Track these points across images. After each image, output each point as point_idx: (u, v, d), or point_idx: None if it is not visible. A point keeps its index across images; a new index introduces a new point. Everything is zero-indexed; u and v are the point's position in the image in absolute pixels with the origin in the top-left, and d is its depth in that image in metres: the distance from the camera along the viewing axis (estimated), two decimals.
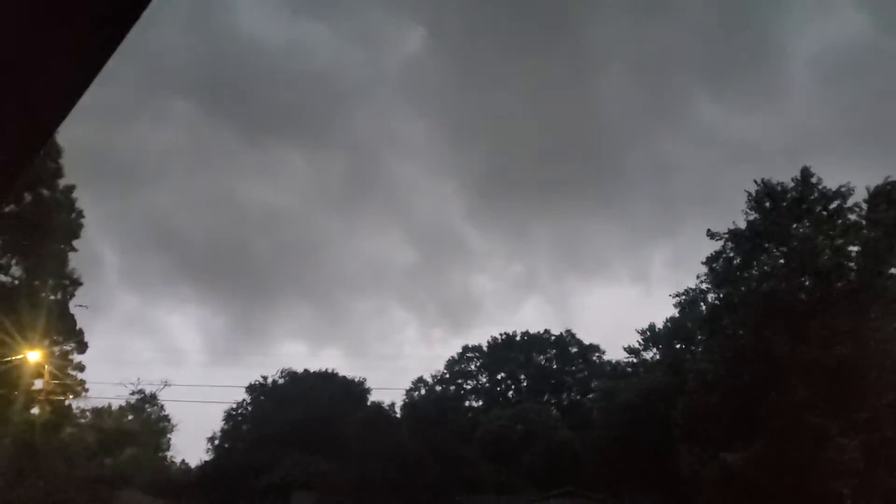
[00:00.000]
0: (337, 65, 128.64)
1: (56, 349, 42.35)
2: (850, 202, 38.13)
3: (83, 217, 42.08)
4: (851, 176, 40.25)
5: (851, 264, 37.92)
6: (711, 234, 41.38)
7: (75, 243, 42.29)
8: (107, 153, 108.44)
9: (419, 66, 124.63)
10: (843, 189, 38.35)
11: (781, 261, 39.57)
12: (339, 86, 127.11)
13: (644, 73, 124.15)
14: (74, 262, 42.74)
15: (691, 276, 45.79)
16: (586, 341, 73.18)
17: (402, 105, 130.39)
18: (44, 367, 39.24)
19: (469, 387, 74.08)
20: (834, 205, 38.32)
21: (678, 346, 52.03)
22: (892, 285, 37.57)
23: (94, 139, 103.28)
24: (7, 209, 37.59)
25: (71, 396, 45.44)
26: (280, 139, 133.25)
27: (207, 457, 65.19)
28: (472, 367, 74.79)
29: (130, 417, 60.52)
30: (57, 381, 41.95)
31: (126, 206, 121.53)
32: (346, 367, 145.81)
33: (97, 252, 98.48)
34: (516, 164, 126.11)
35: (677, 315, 52.26)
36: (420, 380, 71.94)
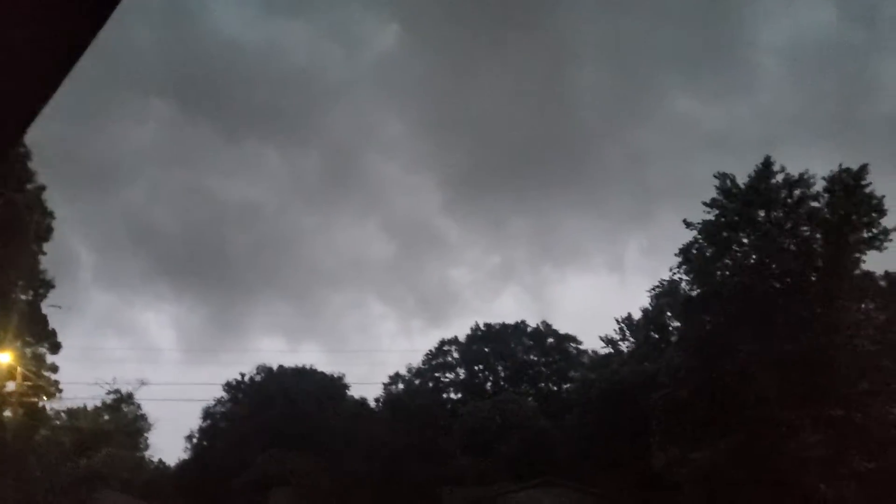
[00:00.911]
0: (313, 63, 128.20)
1: (28, 350, 42.24)
2: (813, 190, 38.69)
3: (54, 218, 41.93)
4: (822, 163, 40.90)
5: (818, 249, 38.48)
6: (687, 224, 41.69)
7: (48, 245, 42.09)
8: (82, 153, 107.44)
9: (395, 63, 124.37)
10: (805, 177, 38.82)
11: (751, 254, 40.01)
12: (316, 83, 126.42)
13: (618, 65, 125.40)
14: (47, 262, 42.60)
15: (667, 263, 46.04)
16: (563, 331, 73.78)
17: (379, 102, 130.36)
18: (15, 369, 39.13)
19: (447, 380, 74.30)
20: (797, 193, 38.80)
21: (654, 335, 52.52)
22: (857, 270, 38.23)
23: (69, 139, 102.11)
24: None
25: (44, 398, 45.32)
26: (257, 137, 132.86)
27: (186, 455, 65.30)
28: (450, 359, 75.08)
29: (106, 417, 60.35)
30: (29, 383, 41.76)
31: (102, 205, 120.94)
32: (324, 363, 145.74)
33: (73, 251, 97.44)
34: (494, 158, 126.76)
35: (652, 305, 52.88)
36: (397, 375, 72.19)
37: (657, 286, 50.14)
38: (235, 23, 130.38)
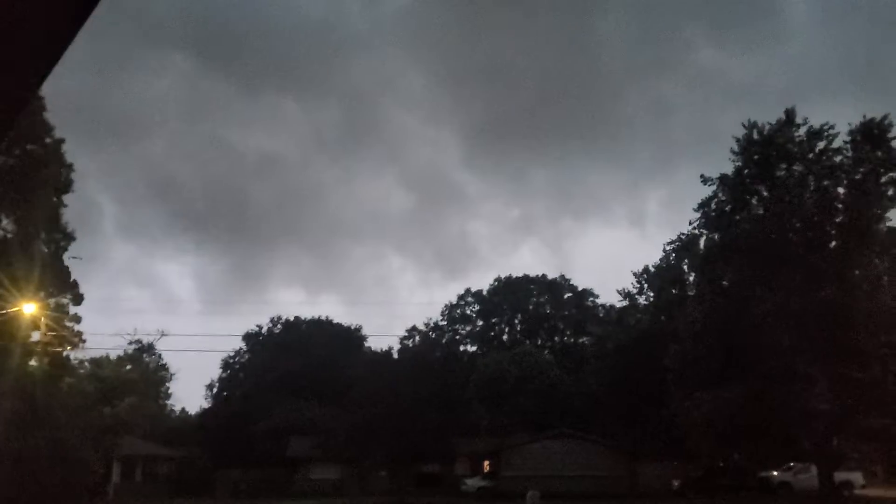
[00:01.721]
0: (331, 14, 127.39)
1: (51, 301, 42.80)
2: (836, 143, 38.07)
3: (73, 170, 42.12)
4: (851, 112, 40.05)
5: (839, 205, 38.03)
6: (704, 180, 41.41)
7: (69, 197, 42.39)
8: (104, 106, 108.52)
9: (414, 14, 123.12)
10: (826, 129, 38.18)
11: (771, 207, 39.59)
12: (335, 35, 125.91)
13: (642, 14, 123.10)
14: (68, 214, 42.92)
15: (687, 216, 45.92)
16: (582, 284, 74.35)
17: (399, 54, 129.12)
18: (40, 320, 39.75)
19: (464, 332, 74.84)
20: (820, 145, 38.24)
21: (673, 290, 52.45)
22: (881, 225, 37.78)
23: (90, 93, 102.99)
24: None
25: (68, 348, 46.10)
26: (276, 89, 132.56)
27: (206, 404, 66.68)
28: (469, 311, 75.54)
29: (129, 367, 61.53)
30: (54, 333, 42.50)
31: (123, 157, 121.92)
32: (342, 314, 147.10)
33: (94, 203, 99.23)
34: (514, 110, 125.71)
35: (672, 258, 52.68)
36: (414, 328, 72.84)
37: (675, 240, 49.91)
38: None
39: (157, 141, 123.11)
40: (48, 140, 40.39)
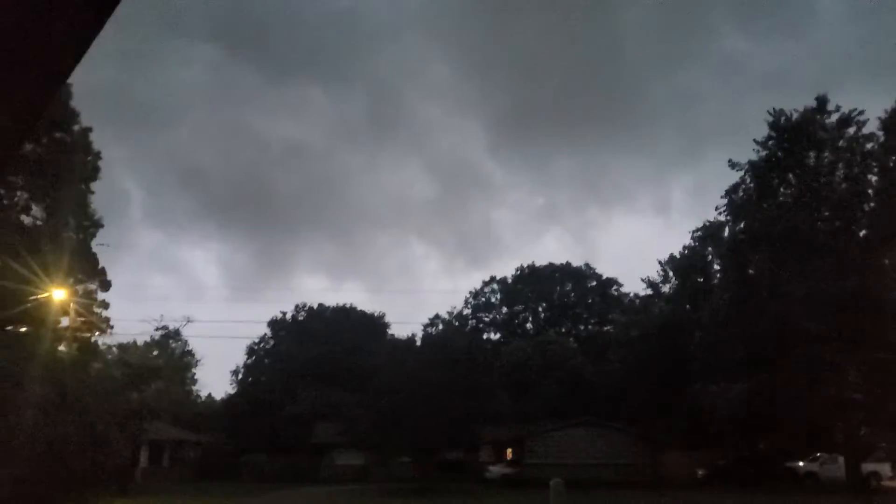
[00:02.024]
0: (360, 4, 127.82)
1: (80, 288, 43.36)
2: (865, 130, 37.72)
3: (101, 158, 42.58)
4: (881, 101, 39.61)
5: (870, 191, 37.76)
6: (733, 165, 41.21)
7: (97, 184, 42.91)
8: (132, 95, 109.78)
9: (440, 4, 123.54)
10: (854, 116, 37.81)
11: (800, 195, 39.40)
12: (362, 25, 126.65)
13: (667, 4, 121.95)
14: (97, 202, 43.43)
15: (713, 205, 45.72)
16: (606, 273, 74.04)
17: (425, 43, 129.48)
18: (69, 306, 40.30)
19: (487, 319, 75.09)
20: (850, 132, 37.88)
21: (698, 279, 52.33)
22: None
23: (118, 82, 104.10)
24: (26, 150, 38.28)
25: (96, 333, 46.77)
26: (303, 78, 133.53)
27: (232, 390, 67.36)
28: (493, 299, 75.80)
29: (155, 353, 62.42)
30: (82, 319, 43.10)
31: (151, 145, 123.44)
32: (366, 302, 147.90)
33: (122, 191, 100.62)
34: (539, 99, 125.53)
35: (697, 247, 52.51)
36: (437, 316, 73.20)
37: (700, 228, 49.74)
38: None
39: (184, 129, 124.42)
40: (76, 128, 40.84)
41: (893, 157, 36.74)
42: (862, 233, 38.36)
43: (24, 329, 38.04)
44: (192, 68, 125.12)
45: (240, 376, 66.62)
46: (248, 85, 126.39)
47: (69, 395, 34.28)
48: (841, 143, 38.15)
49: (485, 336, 73.00)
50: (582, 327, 70.82)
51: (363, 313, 67.59)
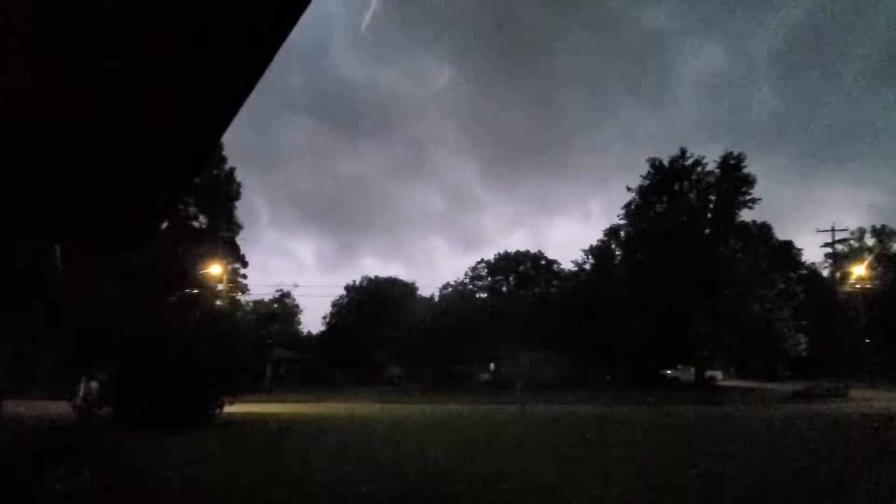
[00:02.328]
0: (399, 90, 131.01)
1: (229, 266, 44.21)
2: (707, 169, 37.89)
3: (241, 186, 43.31)
4: (718, 152, 40.07)
5: (710, 206, 38.01)
6: (628, 189, 41.65)
7: (239, 203, 43.59)
8: (261, 147, 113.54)
9: (449, 91, 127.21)
10: (702, 160, 38.08)
11: (668, 208, 39.66)
12: (401, 105, 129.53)
13: (588, 87, 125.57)
14: (240, 213, 44.15)
15: (617, 214, 45.66)
16: (552, 256, 73.93)
17: (438, 114, 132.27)
18: (223, 277, 41.20)
19: (479, 285, 75.22)
20: (699, 170, 38.16)
21: (606, 259, 52.19)
22: (736, 221, 37.71)
23: (253, 140, 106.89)
24: (196, 181, 39.05)
25: (239, 294, 47.66)
26: (363, 136, 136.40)
27: (322, 328, 68.16)
28: (483, 273, 75.84)
29: (276, 305, 63.15)
30: (231, 285, 43.99)
31: (273, 178, 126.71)
32: (403, 273, 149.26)
33: (256, 206, 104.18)
34: (512, 147, 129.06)
35: (606, 240, 52.55)
36: (447, 284, 73.54)
37: (608, 229, 49.88)
38: (351, 67, 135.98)
39: (293, 167, 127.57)
40: (225, 167, 41.54)
41: (725, 185, 37.01)
42: (707, 231, 38.64)
43: (196, 291, 38.85)
44: (297, 131, 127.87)
45: (328, 320, 67.25)
46: (330, 141, 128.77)
47: (224, 331, 35.24)
48: (693, 177, 38.40)
49: (477, 296, 73.14)
50: (536, 290, 70.89)
51: (402, 281, 68.11)
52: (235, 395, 16.92)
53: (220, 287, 41.08)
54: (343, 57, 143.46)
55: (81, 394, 13.84)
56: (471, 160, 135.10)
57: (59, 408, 14.15)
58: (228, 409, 16.57)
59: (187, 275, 31.70)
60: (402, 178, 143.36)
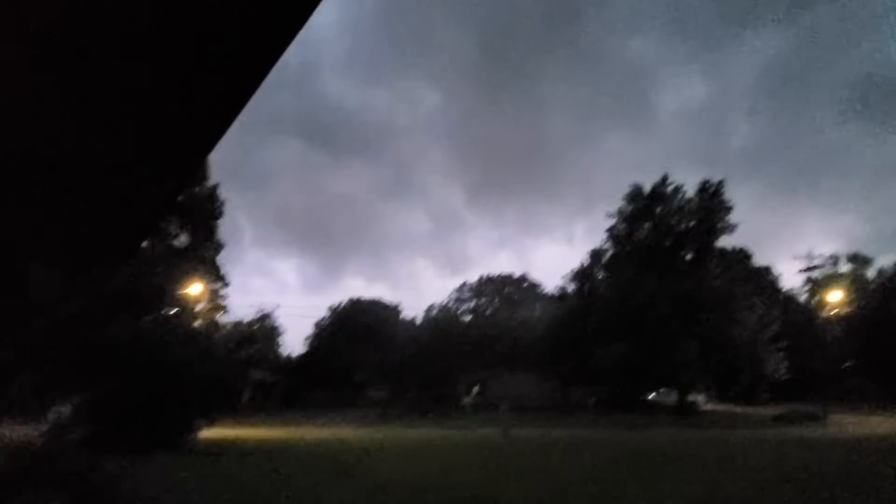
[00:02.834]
0: (391, 112, 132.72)
1: (209, 285, 43.37)
2: (688, 196, 38.64)
3: (223, 204, 42.73)
4: (698, 178, 41.14)
5: (691, 234, 38.59)
6: (610, 215, 42.16)
7: (221, 221, 42.98)
8: (248, 166, 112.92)
9: (437, 115, 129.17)
10: (682, 187, 38.93)
11: (650, 231, 40.18)
12: (391, 127, 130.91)
13: (575, 116, 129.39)
14: (221, 231, 43.49)
15: (601, 238, 45.89)
16: (536, 278, 74.72)
17: (427, 137, 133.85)
18: (202, 296, 40.34)
19: (463, 308, 75.29)
20: (679, 196, 38.87)
21: (591, 281, 52.32)
22: (716, 245, 38.36)
23: (240, 159, 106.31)
24: (179, 199, 38.54)
25: (219, 314, 46.68)
26: (351, 157, 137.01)
27: (303, 350, 67.12)
28: (467, 294, 76.04)
29: (256, 326, 61.93)
30: (210, 305, 43.14)
31: (258, 197, 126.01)
32: (387, 295, 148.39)
33: (239, 224, 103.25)
34: (497, 172, 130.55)
35: (590, 263, 52.71)
36: (432, 305, 73.48)
37: (592, 252, 50.18)
38: (342, 90, 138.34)
39: (279, 187, 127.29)
40: (208, 184, 41.10)
41: (703, 211, 37.68)
42: (688, 256, 39.17)
43: (174, 310, 38.00)
44: (285, 151, 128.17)
45: (309, 342, 66.43)
46: (317, 161, 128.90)
47: (203, 352, 34.43)
48: (674, 203, 39.08)
49: (461, 318, 73.11)
50: (520, 311, 70.88)
51: (385, 303, 67.72)
52: (213, 419, 16.55)
53: (200, 307, 40.22)
54: (331, 78, 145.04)
55: (53, 416, 13.41)
56: (457, 183, 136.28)
57: (29, 431, 13.65)
58: (207, 433, 16.16)
59: (165, 294, 31.06)
60: (388, 200, 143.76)
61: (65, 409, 13.61)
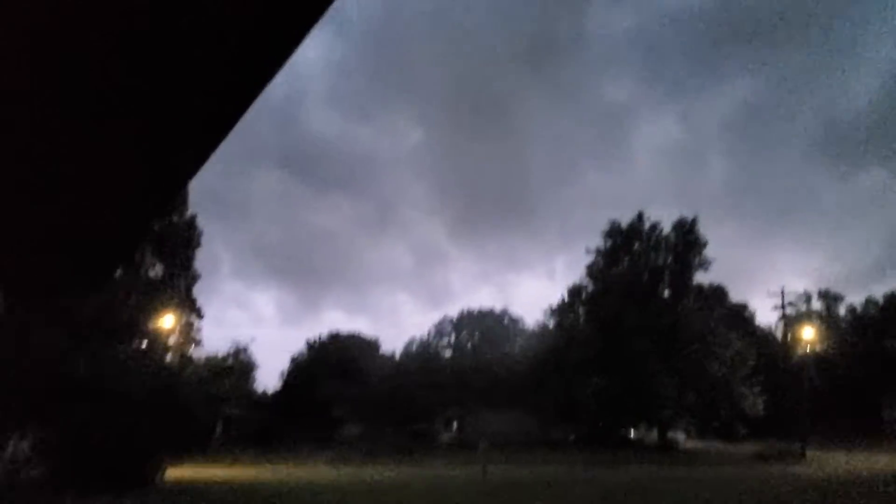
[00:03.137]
0: (374, 147, 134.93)
1: (183, 318, 42.41)
2: (664, 232, 39.50)
3: (202, 233, 42.26)
4: (673, 216, 42.28)
5: (668, 270, 39.23)
6: (589, 251, 42.72)
7: (199, 251, 42.45)
8: (229, 197, 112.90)
9: (420, 151, 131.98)
10: (658, 224, 39.81)
11: (628, 267, 40.75)
12: (374, 161, 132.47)
13: (553, 152, 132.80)
14: (199, 262, 42.92)
15: (580, 274, 46.44)
16: (515, 313, 74.71)
17: (410, 172, 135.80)
18: (175, 329, 39.34)
19: (443, 343, 74.63)
20: (655, 233, 39.69)
21: (570, 316, 52.55)
22: (692, 282, 39.02)
23: (221, 188, 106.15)
24: (154, 227, 38.05)
25: (192, 347, 45.50)
26: (334, 190, 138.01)
27: (279, 385, 65.40)
28: (447, 329, 75.44)
29: (230, 361, 60.39)
30: (184, 337, 42.05)
31: (238, 227, 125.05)
32: (367, 329, 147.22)
33: (217, 255, 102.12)
34: (480, 207, 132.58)
35: (569, 298, 53.08)
36: (412, 339, 72.77)
37: (571, 288, 50.58)
38: (326, 123, 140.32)
39: (259, 218, 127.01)
40: (187, 213, 40.72)
41: (679, 248, 38.48)
42: (666, 293, 39.72)
43: (145, 344, 37.01)
44: (266, 182, 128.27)
45: (285, 376, 64.86)
46: (300, 193, 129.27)
47: (171, 387, 33.32)
48: (651, 240, 39.83)
49: (441, 353, 72.39)
50: (500, 348, 70.44)
51: (364, 337, 66.76)
52: (182, 457, 15.90)
53: (172, 340, 39.17)
54: (315, 112, 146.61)
55: (10, 452, 12.73)
56: (439, 217, 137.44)
57: None
58: (175, 471, 15.50)
59: (137, 326, 30.25)
60: (370, 233, 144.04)
61: (23, 444, 12.96)
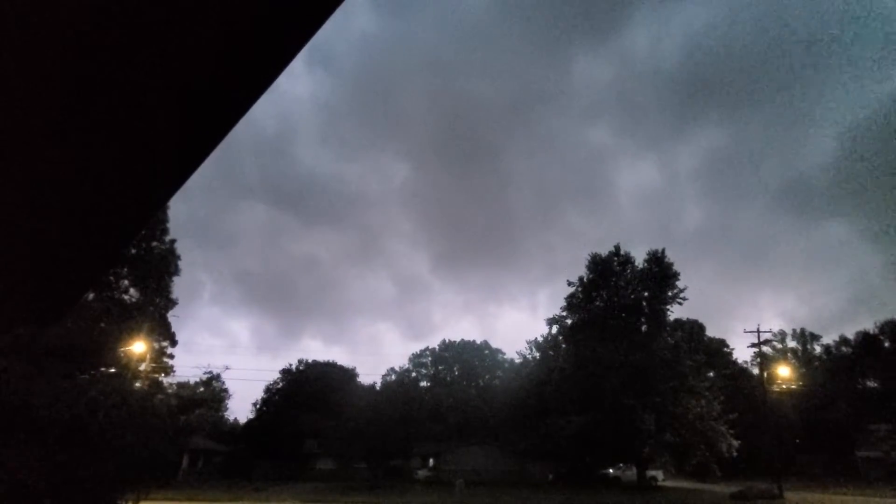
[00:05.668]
0: (362, 183, 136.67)
1: (155, 344, 41.30)
2: (639, 265, 39.89)
3: (181, 260, 41.46)
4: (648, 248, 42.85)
5: (644, 302, 39.36)
6: (569, 283, 42.80)
7: (178, 277, 41.51)
8: (214, 226, 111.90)
9: (405, 187, 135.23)
10: (632, 259, 40.25)
11: (605, 301, 40.84)
12: (361, 196, 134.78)
13: (537, 191, 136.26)
14: (178, 288, 42.11)
15: (560, 306, 46.20)
16: (497, 345, 74.29)
17: (396, 207, 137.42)
18: (146, 356, 38.28)
19: (423, 374, 73.67)
20: (630, 268, 40.06)
21: (550, 351, 52.42)
22: (668, 317, 39.11)
23: (205, 218, 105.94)
24: (132, 252, 37.28)
25: (163, 374, 44.20)
26: (320, 222, 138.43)
27: (251, 416, 63.47)
28: (427, 360, 74.53)
29: (202, 389, 58.77)
30: (154, 365, 40.88)
31: (221, 255, 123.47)
32: (344, 359, 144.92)
33: (200, 281, 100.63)
34: (462, 242, 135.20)
35: (550, 331, 52.92)
36: (391, 369, 71.68)
37: (551, 319, 50.58)
38: (313, 160, 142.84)
39: (243, 247, 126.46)
40: (166, 239, 40.03)
41: (651, 280, 38.78)
42: (643, 328, 39.76)
43: (112, 370, 35.81)
44: (252, 214, 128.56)
45: (258, 407, 63.05)
46: (286, 225, 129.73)
47: (137, 416, 32.05)
48: (626, 273, 40.17)
49: (420, 384, 71.35)
50: (480, 380, 69.83)
51: (342, 367, 65.49)
52: (141, 493, 15.00)
53: (143, 366, 37.97)
54: (303, 148, 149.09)
55: None
56: (423, 250, 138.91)
57: None
58: None
59: (103, 352, 29.23)
60: (353, 265, 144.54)
61: None
